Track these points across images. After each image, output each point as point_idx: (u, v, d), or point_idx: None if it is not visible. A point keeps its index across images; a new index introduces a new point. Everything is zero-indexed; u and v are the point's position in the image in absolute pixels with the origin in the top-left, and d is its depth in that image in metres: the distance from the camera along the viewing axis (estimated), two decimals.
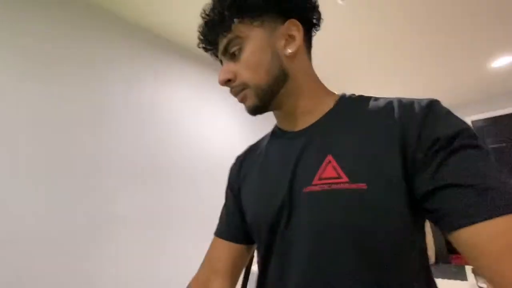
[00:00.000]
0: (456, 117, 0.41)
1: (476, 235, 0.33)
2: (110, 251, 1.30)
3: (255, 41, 0.48)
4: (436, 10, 1.75)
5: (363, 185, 0.40)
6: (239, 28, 0.48)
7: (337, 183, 0.42)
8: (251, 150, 0.63)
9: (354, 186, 0.40)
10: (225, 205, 0.64)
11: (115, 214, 1.36)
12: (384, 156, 0.41)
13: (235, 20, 0.48)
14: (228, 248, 0.58)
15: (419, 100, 0.43)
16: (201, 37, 0.53)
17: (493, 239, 0.32)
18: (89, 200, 1.28)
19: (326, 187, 0.43)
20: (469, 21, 1.88)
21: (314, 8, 0.52)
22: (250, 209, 0.54)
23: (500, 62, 2.56)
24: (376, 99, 0.49)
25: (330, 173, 0.43)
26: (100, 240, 1.28)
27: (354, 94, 0.54)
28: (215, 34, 0.50)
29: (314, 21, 0.53)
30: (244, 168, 0.61)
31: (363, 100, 0.50)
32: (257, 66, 0.49)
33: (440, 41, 2.11)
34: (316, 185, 0.44)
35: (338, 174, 0.42)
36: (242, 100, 0.52)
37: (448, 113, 0.41)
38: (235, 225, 0.59)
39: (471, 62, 2.53)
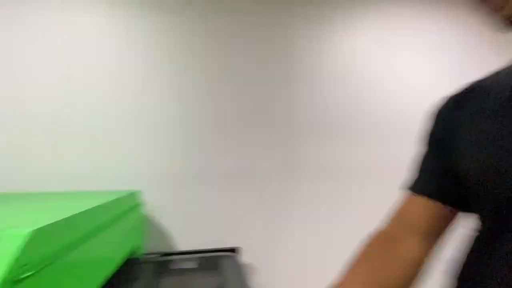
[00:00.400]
0: None
1: None
2: (301, 194, 1.54)
3: None
4: None
5: None
6: None
7: None
8: (475, 90, 0.46)
9: None
10: (425, 156, 0.51)
11: (303, 165, 1.53)
12: None
13: None
14: (426, 206, 0.47)
15: None
16: None
17: None
18: (285, 151, 1.51)
19: None
20: None
21: None
22: (476, 167, 0.40)
23: None
24: None
25: None
26: (292, 184, 1.52)
27: None
28: None
29: None
30: (463, 112, 0.45)
31: None
32: None
33: None
34: None
35: None
36: (501, 4, 0.34)
37: None
38: (440, 181, 0.47)
39: None
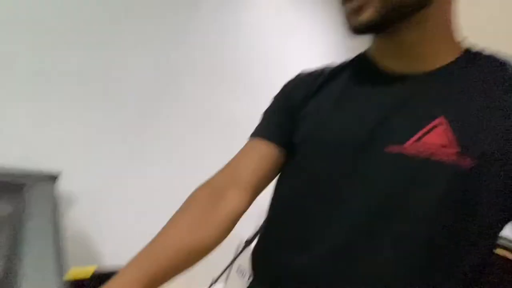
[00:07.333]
0: None
1: None
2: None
3: None
4: None
5: (472, 162, 0.33)
6: None
7: (442, 153, 0.34)
8: (326, 73, 0.51)
9: (462, 161, 0.33)
10: (271, 109, 0.55)
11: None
12: None
13: None
14: (263, 153, 0.49)
15: None
16: None
17: None
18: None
19: (423, 154, 0.35)
20: None
21: None
22: (309, 134, 0.46)
23: None
24: None
25: (436, 139, 0.35)
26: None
27: (484, 50, 0.42)
28: None
29: None
30: (313, 87, 0.50)
31: (499, 61, 0.39)
32: None
33: None
34: (409, 147, 0.36)
35: (448, 142, 0.34)
36: (356, 10, 0.38)
37: None
38: (280, 126, 0.51)
39: None
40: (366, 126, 0.40)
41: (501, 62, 0.39)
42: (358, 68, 0.49)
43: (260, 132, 0.52)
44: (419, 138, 0.36)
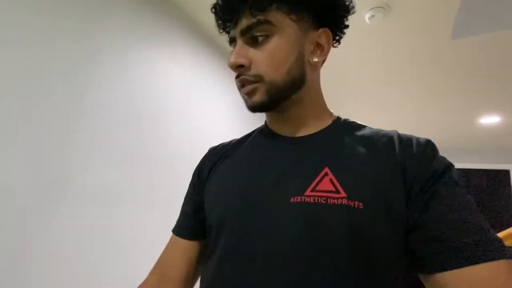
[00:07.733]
0: (445, 158, 0.43)
1: (461, 280, 0.33)
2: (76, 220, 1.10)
3: (287, 35, 0.45)
4: (445, 66, 1.95)
5: (360, 204, 0.38)
6: (275, 14, 0.44)
7: (334, 198, 0.39)
8: (231, 144, 0.59)
9: (352, 203, 0.38)
10: (186, 196, 0.59)
11: (84, 183, 1.14)
12: (386, 182, 0.40)
13: (274, 3, 0.44)
14: (185, 248, 0.53)
15: (417, 138, 0.44)
16: (223, 4, 0.47)
17: (477, 284, 0.33)
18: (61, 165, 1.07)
19: (321, 200, 0.40)
20: (467, 80, 2.08)
21: (346, 27, 0.52)
22: (217, 203, 0.49)
23: (487, 120, 2.69)
24: (372, 128, 0.50)
25: (326, 186, 0.40)
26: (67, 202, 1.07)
27: (348, 119, 0.53)
28: (243, 8, 0.44)
29: (340, 38, 0.52)
30: (220, 160, 0.56)
31: (359, 125, 0.51)
32: (280, 62, 0.45)
33: (438, 91, 2.31)
34: (308, 196, 0.40)
35: (336, 188, 0.40)
36: (249, 93, 0.47)
37: (439, 153, 0.43)
38: (193, 218, 0.54)
39: (461, 115, 2.67)
40: (269, 184, 0.45)
41: (360, 126, 0.51)
42: (259, 136, 0.56)
43: (177, 229, 0.56)
44: (314, 187, 0.41)
